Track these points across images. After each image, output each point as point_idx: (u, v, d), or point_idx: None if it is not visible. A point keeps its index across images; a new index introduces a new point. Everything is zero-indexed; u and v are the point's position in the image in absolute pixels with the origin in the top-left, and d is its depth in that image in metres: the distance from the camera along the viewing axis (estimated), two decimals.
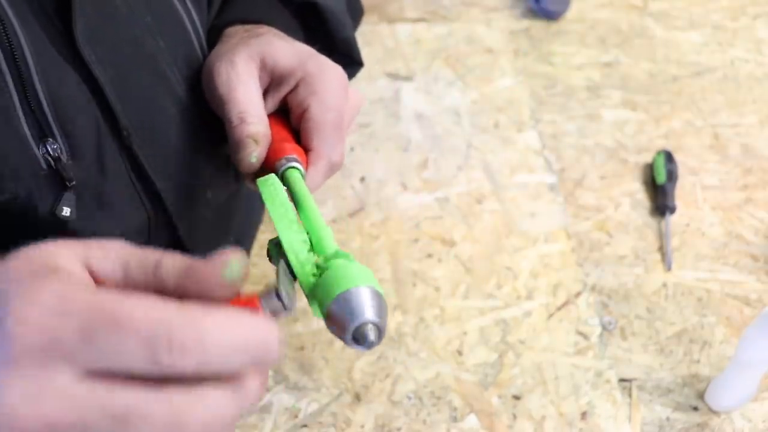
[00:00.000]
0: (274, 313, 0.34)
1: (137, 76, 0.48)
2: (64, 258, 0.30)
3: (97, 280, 0.31)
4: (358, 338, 0.35)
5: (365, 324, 0.35)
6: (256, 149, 0.47)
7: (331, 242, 0.40)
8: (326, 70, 0.49)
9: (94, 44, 0.45)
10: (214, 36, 0.55)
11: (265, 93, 0.51)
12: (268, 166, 0.47)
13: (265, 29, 0.53)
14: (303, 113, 0.49)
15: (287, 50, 0.50)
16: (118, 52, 0.47)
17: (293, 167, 0.46)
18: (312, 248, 0.40)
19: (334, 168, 0.49)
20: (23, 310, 0.27)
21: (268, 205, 0.42)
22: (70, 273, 0.30)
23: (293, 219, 0.41)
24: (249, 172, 0.48)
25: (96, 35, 0.45)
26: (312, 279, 0.38)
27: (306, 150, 0.49)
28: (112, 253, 0.31)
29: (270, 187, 0.43)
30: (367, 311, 0.35)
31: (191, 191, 0.55)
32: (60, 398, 0.26)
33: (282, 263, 0.39)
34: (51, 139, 0.43)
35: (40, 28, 0.43)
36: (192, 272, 0.30)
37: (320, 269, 0.38)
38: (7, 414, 0.26)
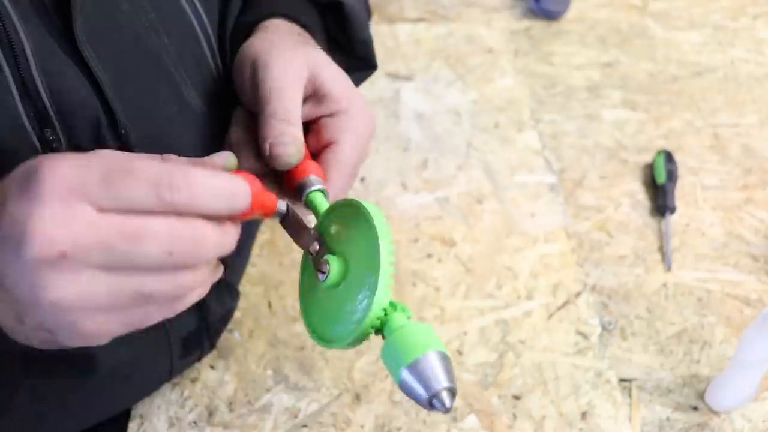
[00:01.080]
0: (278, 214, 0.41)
1: (138, 75, 0.48)
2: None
3: None
4: (435, 404, 0.37)
5: (441, 391, 0.37)
6: (296, 154, 0.48)
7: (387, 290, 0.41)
8: (367, 114, 0.51)
9: (95, 43, 0.45)
10: (240, 33, 0.55)
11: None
12: (287, 177, 0.49)
13: (314, 42, 0.55)
14: (331, 144, 0.50)
15: (340, 77, 0.51)
16: (119, 51, 0.47)
17: (320, 190, 0.48)
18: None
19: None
20: (53, 162, 0.34)
21: (379, 229, 0.41)
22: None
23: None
24: (280, 169, 0.48)
25: (96, 33, 0.45)
26: (377, 321, 0.40)
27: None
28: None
29: (378, 211, 0.43)
30: (442, 378, 0.37)
31: None
32: (84, 224, 0.33)
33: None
34: (50, 129, 0.44)
35: (40, 24, 0.43)
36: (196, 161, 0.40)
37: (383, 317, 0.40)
38: (39, 235, 0.32)
